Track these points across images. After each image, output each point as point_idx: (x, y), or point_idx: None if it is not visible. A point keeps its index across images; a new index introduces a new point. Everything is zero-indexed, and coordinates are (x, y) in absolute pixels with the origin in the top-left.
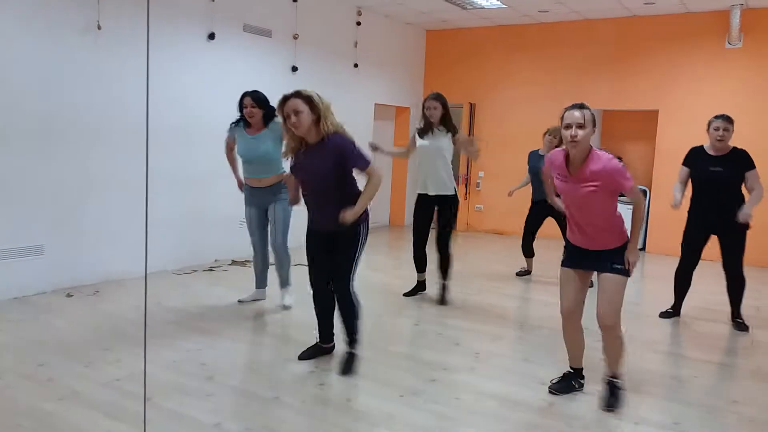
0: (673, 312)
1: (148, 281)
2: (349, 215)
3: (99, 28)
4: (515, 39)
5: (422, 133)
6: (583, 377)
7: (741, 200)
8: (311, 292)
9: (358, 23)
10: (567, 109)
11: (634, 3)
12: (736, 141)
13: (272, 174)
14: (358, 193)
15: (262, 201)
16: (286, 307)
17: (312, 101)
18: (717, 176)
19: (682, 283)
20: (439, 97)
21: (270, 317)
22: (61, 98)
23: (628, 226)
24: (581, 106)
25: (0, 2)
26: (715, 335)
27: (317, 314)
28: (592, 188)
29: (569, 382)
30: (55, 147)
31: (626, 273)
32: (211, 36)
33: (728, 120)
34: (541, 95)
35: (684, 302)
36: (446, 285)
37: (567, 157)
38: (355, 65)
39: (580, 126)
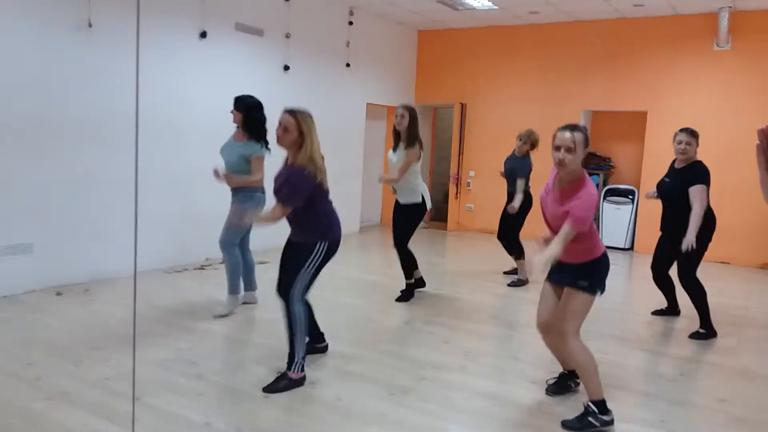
0: (666, 311)
1: (138, 280)
2: (247, 216)
3: (90, 26)
4: (506, 40)
5: (393, 147)
6: (578, 376)
7: (687, 215)
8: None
9: (351, 23)
10: (559, 129)
11: (624, 5)
12: (724, 142)
13: (237, 177)
14: (320, 219)
15: (233, 199)
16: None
17: (303, 133)
18: (665, 186)
19: (660, 284)
20: (407, 108)
21: (260, 316)
22: (52, 96)
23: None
24: (573, 128)
25: None
26: None
27: None
28: (564, 212)
29: (564, 383)
30: (46, 145)
31: (591, 291)
32: (203, 35)
33: (691, 134)
34: (532, 96)
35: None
36: (410, 284)
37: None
38: (347, 65)
39: (569, 150)
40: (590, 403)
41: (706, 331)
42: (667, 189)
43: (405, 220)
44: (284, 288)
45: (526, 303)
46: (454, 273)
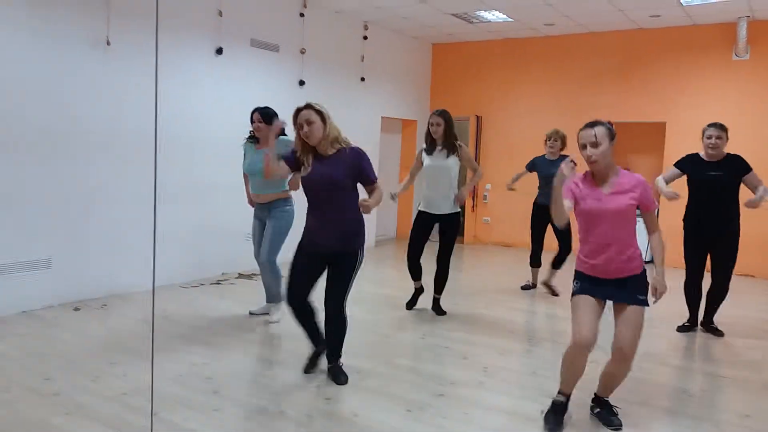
0: (690, 325)
1: (155, 294)
2: (372, 203)
3: (108, 43)
4: (521, 52)
5: (428, 150)
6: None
7: (737, 208)
8: (287, 307)
9: (365, 37)
10: (581, 129)
11: (640, 15)
12: (743, 152)
13: (271, 191)
14: (360, 218)
15: (262, 214)
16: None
17: (323, 114)
18: (717, 179)
19: (693, 296)
20: (442, 114)
21: (276, 331)
22: (70, 112)
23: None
24: (593, 124)
25: (10, 17)
26: (725, 349)
27: (302, 325)
28: (631, 201)
29: (562, 416)
30: (64, 160)
31: (646, 303)
32: (219, 51)
33: (722, 128)
34: (548, 108)
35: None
36: (438, 299)
37: (591, 176)
38: (362, 79)
39: (594, 144)
40: (608, 401)
41: (716, 326)
42: (724, 181)
43: (451, 233)
44: (337, 301)
45: (545, 317)
46: (471, 287)
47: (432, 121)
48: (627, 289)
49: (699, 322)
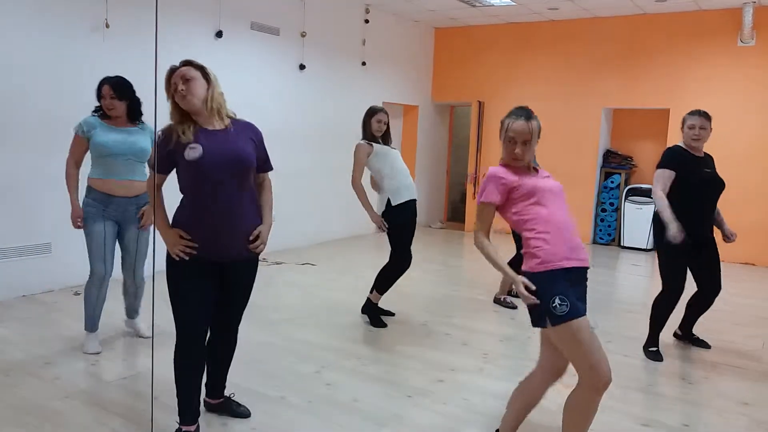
0: (684, 336)
1: (155, 279)
2: (265, 233)
3: (107, 26)
4: (524, 37)
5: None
6: None
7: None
8: (180, 342)
9: (366, 21)
10: (512, 117)
11: (645, 1)
12: (747, 139)
13: (141, 178)
14: (259, 210)
15: (123, 215)
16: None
17: (205, 70)
18: (711, 178)
19: (665, 316)
20: (386, 112)
21: (276, 316)
22: (69, 96)
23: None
24: (529, 116)
25: (8, 0)
26: (725, 337)
27: (190, 376)
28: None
29: None
30: (63, 145)
31: (561, 319)
32: (219, 34)
33: (707, 117)
34: (551, 94)
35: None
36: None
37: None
38: (363, 63)
39: (526, 143)
40: None
41: (698, 336)
42: (718, 181)
43: (389, 234)
44: (236, 323)
45: None
46: (472, 274)
47: (381, 118)
48: (583, 295)
49: (675, 335)
